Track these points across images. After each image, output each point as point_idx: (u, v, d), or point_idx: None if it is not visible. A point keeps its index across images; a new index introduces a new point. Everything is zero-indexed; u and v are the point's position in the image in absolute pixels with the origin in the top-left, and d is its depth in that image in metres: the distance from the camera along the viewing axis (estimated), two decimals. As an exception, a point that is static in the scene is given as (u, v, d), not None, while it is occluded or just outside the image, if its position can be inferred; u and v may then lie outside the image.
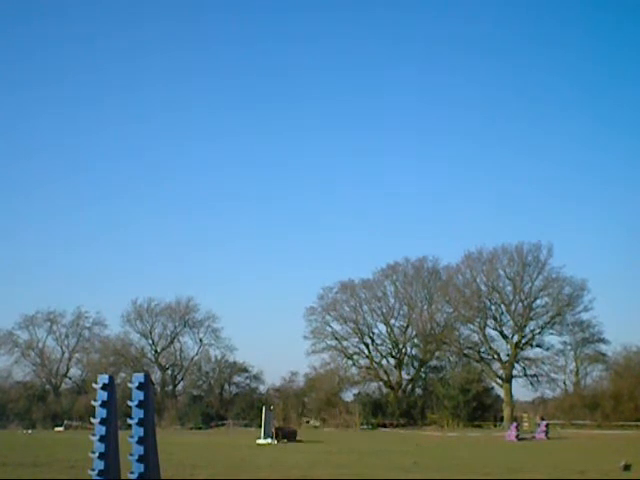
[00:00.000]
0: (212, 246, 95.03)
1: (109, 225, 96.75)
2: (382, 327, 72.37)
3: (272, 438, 37.07)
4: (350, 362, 72.65)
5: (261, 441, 36.38)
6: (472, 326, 69.61)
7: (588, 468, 18.19)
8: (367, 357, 72.46)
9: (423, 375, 72.45)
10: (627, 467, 17.79)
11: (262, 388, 77.68)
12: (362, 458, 22.28)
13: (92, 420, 10.56)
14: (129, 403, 10.41)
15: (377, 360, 72.49)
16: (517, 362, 67.23)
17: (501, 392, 67.86)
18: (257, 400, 69.11)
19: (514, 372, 66.96)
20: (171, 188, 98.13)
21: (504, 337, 68.38)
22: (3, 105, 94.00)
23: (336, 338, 72.23)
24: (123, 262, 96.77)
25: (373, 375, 72.27)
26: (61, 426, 66.99)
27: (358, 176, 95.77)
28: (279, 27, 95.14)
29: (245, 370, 77.89)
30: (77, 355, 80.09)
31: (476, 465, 19.48)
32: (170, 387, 78.51)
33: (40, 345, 78.84)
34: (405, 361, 72.31)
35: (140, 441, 10.24)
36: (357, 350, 72.68)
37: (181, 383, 79.48)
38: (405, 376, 72.06)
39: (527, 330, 67.63)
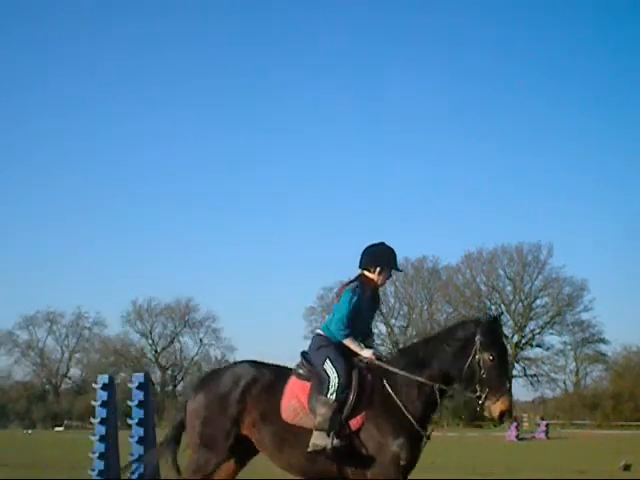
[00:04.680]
0: (212, 246, 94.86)
1: (109, 225, 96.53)
2: (382, 327, 72.42)
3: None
4: (350, 362, 72.73)
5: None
6: (472, 326, 69.52)
7: (588, 468, 18.19)
8: (367, 357, 72.52)
9: (423, 375, 72.46)
10: (627, 467, 17.80)
11: (262, 388, 77.68)
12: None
13: (92, 420, 10.56)
14: (129, 403, 10.41)
15: (377, 360, 72.53)
16: (517, 362, 67.21)
17: (501, 392, 67.80)
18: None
19: (514, 372, 66.95)
20: (171, 188, 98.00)
21: (504, 337, 68.36)
22: (3, 105, 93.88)
23: (336, 338, 72.30)
24: (123, 262, 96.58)
25: (373, 375, 72.31)
26: (61, 426, 66.99)
27: (358, 176, 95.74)
28: (277, 27, 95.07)
29: (245, 370, 77.93)
30: (77, 355, 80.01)
31: (476, 465, 19.48)
32: (170, 387, 78.51)
33: (40, 345, 78.82)
34: (405, 361, 72.31)
35: (140, 441, 10.24)
36: (357, 350, 72.73)
37: (181, 383, 79.46)
38: (405, 376, 72.05)
39: (527, 330, 67.65)
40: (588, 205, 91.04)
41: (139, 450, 10.23)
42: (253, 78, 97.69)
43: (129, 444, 10.27)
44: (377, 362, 6.41)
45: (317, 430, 6.16)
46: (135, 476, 10.15)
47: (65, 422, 68.63)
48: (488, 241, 73.05)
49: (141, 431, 10.30)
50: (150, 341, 78.10)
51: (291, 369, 6.75)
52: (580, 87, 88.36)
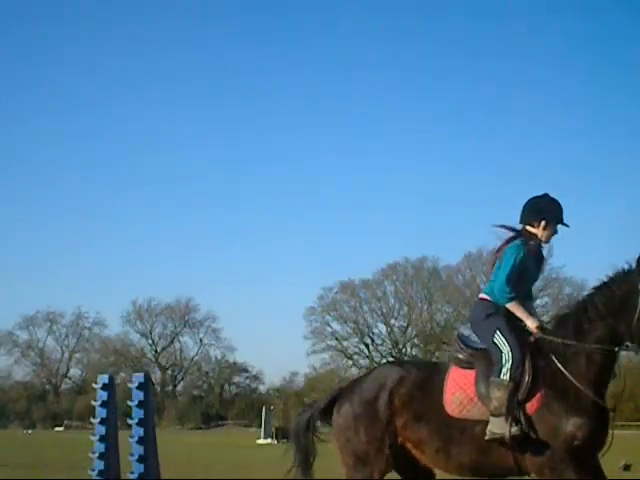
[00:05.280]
0: (212, 246, 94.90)
1: (109, 225, 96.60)
2: (382, 327, 72.53)
3: (272, 438, 37.09)
4: (350, 362, 72.76)
5: (261, 441, 36.41)
6: (472, 326, 69.71)
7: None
8: (367, 357, 72.51)
9: (423, 375, 72.52)
10: (627, 467, 17.77)
11: (262, 388, 77.91)
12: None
13: (92, 420, 10.55)
14: (129, 403, 10.40)
15: (377, 360, 72.42)
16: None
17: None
18: (257, 400, 69.14)
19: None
20: (171, 188, 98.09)
21: (504, 337, 68.49)
22: (3, 105, 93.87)
23: (336, 338, 72.30)
24: (123, 262, 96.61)
25: (373, 375, 72.37)
26: (61, 426, 67.04)
27: (358, 175, 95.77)
28: (277, 27, 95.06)
29: (245, 370, 78.00)
30: (77, 355, 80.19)
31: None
32: (170, 387, 78.57)
33: (40, 345, 78.93)
34: (405, 361, 72.46)
35: (140, 441, 10.23)
36: (357, 350, 72.77)
37: (181, 383, 79.60)
38: (405, 376, 72.12)
39: (527, 330, 67.76)
40: (588, 205, 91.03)
41: (139, 450, 10.21)
42: (253, 78, 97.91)
43: (129, 444, 10.25)
44: (540, 333, 5.73)
45: (494, 416, 5.50)
46: (135, 476, 10.16)
47: (65, 422, 68.72)
48: (488, 241, 73.07)
49: (141, 431, 10.28)
50: (150, 341, 78.30)
51: (438, 363, 6.24)
52: (580, 86, 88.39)
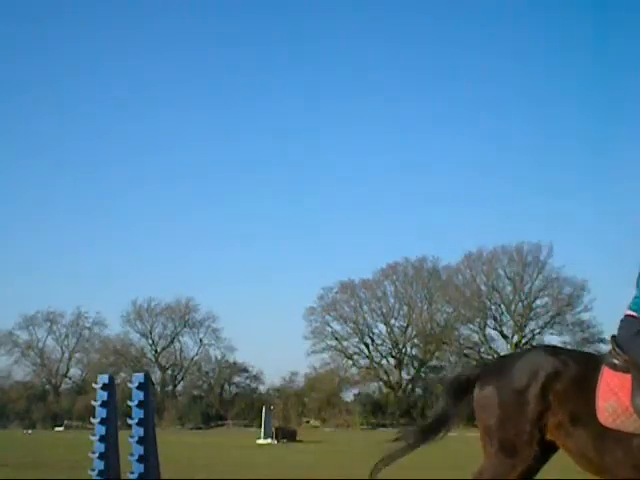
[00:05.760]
0: (212, 246, 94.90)
1: (109, 225, 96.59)
2: (382, 327, 72.51)
3: (272, 438, 37.10)
4: (350, 362, 72.78)
5: (261, 441, 36.42)
6: (472, 326, 69.78)
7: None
8: (367, 357, 72.54)
9: (423, 375, 72.52)
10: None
11: (262, 388, 77.90)
12: (362, 458, 22.27)
13: (92, 420, 10.55)
14: (129, 403, 10.40)
15: (377, 360, 72.58)
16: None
17: (501, 392, 67.84)
18: (257, 400, 69.16)
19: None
20: (171, 188, 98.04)
21: (504, 337, 68.51)
22: (3, 105, 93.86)
23: (336, 338, 72.30)
24: (123, 262, 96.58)
25: (373, 375, 72.35)
26: (61, 426, 67.05)
27: (358, 176, 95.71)
28: (278, 27, 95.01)
29: (245, 370, 78.00)
30: (77, 355, 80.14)
31: (476, 465, 19.42)
32: (170, 387, 78.58)
33: (40, 345, 78.87)
34: (405, 361, 72.37)
35: (140, 441, 10.23)
36: (357, 350, 72.76)
37: (181, 383, 79.60)
38: (405, 376, 72.15)
39: (527, 330, 67.76)
40: (588, 205, 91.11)
41: (139, 450, 10.22)
42: (253, 78, 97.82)
43: (129, 444, 10.25)
44: None
45: None
46: (135, 476, 10.16)
47: (65, 422, 68.72)
48: (488, 241, 72.76)
49: (141, 431, 10.28)
50: (150, 341, 78.28)
51: (597, 356, 5.78)
52: (580, 86, 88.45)
